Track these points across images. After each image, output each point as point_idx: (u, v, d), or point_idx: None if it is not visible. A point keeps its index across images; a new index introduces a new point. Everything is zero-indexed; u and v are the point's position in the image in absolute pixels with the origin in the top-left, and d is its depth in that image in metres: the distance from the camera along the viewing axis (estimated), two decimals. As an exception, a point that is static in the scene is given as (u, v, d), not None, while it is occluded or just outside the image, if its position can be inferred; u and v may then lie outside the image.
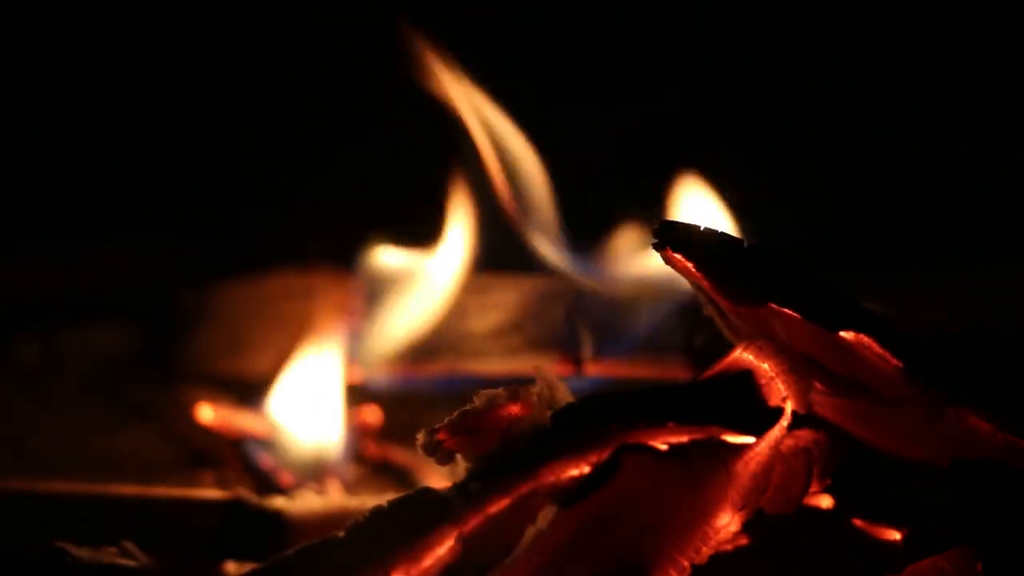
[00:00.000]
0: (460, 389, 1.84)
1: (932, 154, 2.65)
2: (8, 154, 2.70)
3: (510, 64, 2.03)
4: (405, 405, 1.96)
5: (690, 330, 1.63)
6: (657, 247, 1.21)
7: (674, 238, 1.21)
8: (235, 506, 1.55)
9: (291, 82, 2.74)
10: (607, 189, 1.91)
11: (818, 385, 1.24)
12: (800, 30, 2.70)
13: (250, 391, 2.06)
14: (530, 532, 1.12)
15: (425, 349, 1.91)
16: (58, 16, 2.73)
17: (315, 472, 1.87)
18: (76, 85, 2.73)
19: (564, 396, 1.22)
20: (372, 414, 1.97)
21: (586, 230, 1.80)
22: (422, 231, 1.95)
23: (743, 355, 1.19)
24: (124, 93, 2.75)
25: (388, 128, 2.60)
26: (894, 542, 1.29)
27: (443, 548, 1.06)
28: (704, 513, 1.14)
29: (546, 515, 1.12)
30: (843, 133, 2.69)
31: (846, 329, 1.17)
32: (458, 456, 1.21)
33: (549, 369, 1.23)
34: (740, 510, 1.16)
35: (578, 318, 1.77)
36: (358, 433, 1.94)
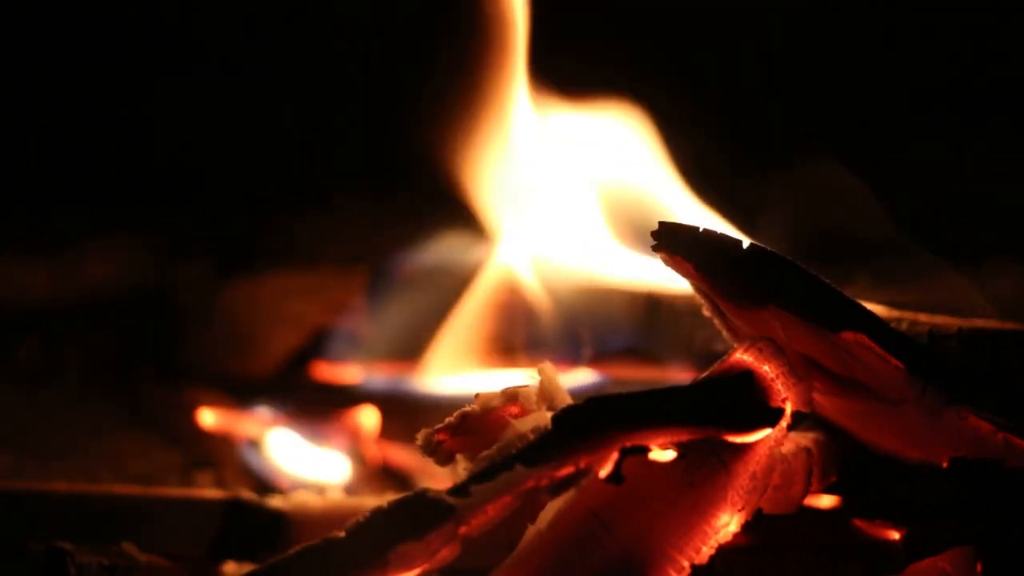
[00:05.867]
0: (460, 389, 1.85)
1: (932, 153, 2.65)
2: (9, 153, 2.70)
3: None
4: (404, 406, 1.96)
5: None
6: (657, 249, 1.21)
7: (673, 240, 1.21)
8: (235, 506, 1.56)
9: (296, 80, 2.74)
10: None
11: (818, 385, 1.24)
12: (798, 26, 2.70)
13: (251, 391, 2.07)
14: (530, 532, 1.12)
15: (425, 349, 1.91)
16: (57, 13, 2.73)
17: (314, 473, 1.88)
18: (80, 84, 2.73)
19: (563, 399, 1.22)
20: (370, 415, 1.97)
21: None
22: (427, 231, 1.96)
23: (743, 356, 1.19)
24: (126, 91, 2.75)
25: (394, 127, 2.60)
26: (894, 542, 1.29)
27: (443, 548, 1.06)
28: (704, 513, 1.14)
29: (546, 515, 1.12)
30: (842, 132, 2.69)
31: (846, 330, 1.17)
32: (458, 456, 1.21)
33: (548, 369, 1.23)
34: (740, 510, 1.16)
35: (578, 318, 1.77)
36: (357, 434, 1.94)
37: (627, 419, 1.10)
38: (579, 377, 1.75)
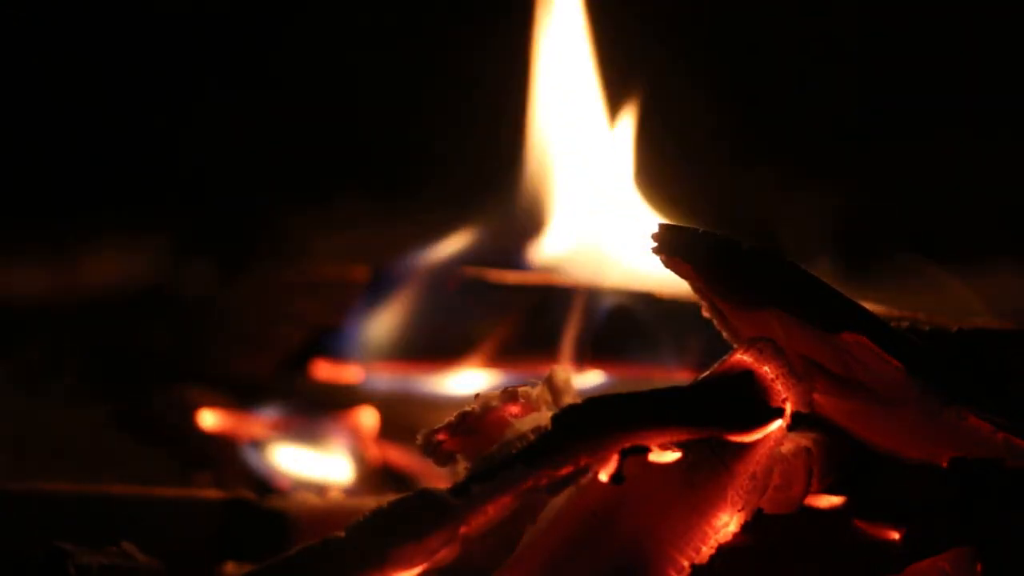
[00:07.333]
0: (460, 389, 1.85)
1: (932, 153, 2.65)
2: (9, 152, 2.70)
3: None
4: (405, 405, 1.96)
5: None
6: (656, 251, 1.21)
7: (673, 241, 1.21)
8: (235, 506, 1.56)
9: (297, 79, 2.74)
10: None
11: (818, 385, 1.24)
12: (799, 26, 2.70)
13: (251, 391, 2.06)
14: (530, 532, 1.12)
15: (425, 349, 1.91)
16: (60, 15, 2.73)
17: (314, 473, 1.88)
18: (82, 83, 2.73)
19: (572, 400, 1.22)
20: (369, 415, 1.97)
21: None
22: (428, 230, 1.96)
23: (743, 356, 1.19)
24: (128, 90, 2.75)
25: (394, 126, 2.60)
26: (894, 542, 1.29)
27: (443, 548, 1.06)
28: (704, 513, 1.14)
29: (546, 515, 1.12)
30: (842, 131, 2.69)
31: (846, 330, 1.17)
32: (458, 456, 1.21)
33: (561, 372, 1.23)
34: (740, 510, 1.16)
35: (579, 318, 1.77)
36: (357, 434, 1.94)
37: (627, 419, 1.11)
38: (591, 379, 1.75)
